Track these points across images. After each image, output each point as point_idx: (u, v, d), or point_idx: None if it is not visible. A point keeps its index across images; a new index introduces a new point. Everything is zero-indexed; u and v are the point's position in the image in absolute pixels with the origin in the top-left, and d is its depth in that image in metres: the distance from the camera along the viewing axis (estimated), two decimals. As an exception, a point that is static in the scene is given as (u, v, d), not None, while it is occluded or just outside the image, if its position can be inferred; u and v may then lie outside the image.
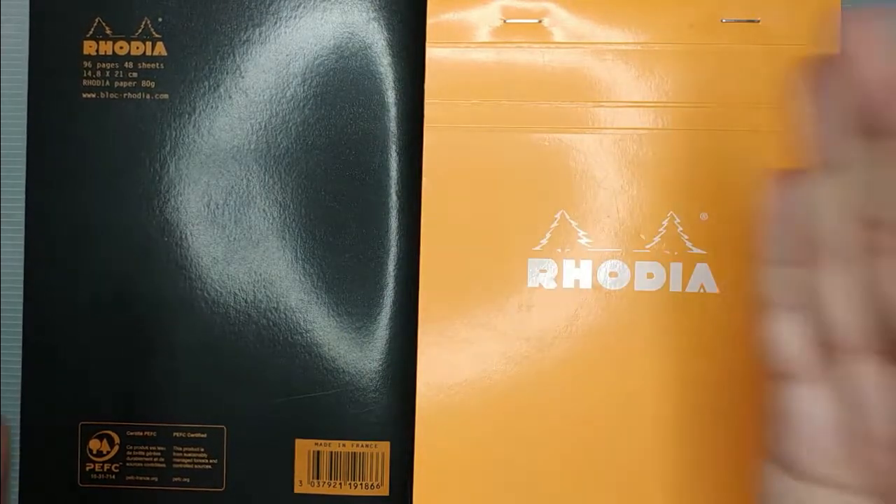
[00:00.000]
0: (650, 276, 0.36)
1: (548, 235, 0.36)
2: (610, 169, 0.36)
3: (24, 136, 0.37)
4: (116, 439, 0.37)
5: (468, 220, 0.36)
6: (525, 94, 0.36)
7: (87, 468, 0.37)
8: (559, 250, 0.36)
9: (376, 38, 0.37)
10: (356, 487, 0.37)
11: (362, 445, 0.37)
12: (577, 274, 0.36)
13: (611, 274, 0.36)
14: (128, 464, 0.37)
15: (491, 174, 0.36)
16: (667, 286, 0.36)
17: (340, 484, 0.37)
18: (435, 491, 0.36)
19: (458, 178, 0.36)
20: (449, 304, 0.36)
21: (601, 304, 0.36)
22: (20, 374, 0.37)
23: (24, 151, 0.37)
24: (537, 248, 0.36)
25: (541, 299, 0.36)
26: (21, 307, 0.37)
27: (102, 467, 0.37)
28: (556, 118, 0.36)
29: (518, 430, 0.36)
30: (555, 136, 0.36)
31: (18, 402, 0.37)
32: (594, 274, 0.36)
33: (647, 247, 0.36)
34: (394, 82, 0.37)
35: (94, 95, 0.37)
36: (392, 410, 0.37)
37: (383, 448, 0.37)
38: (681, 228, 0.36)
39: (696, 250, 0.36)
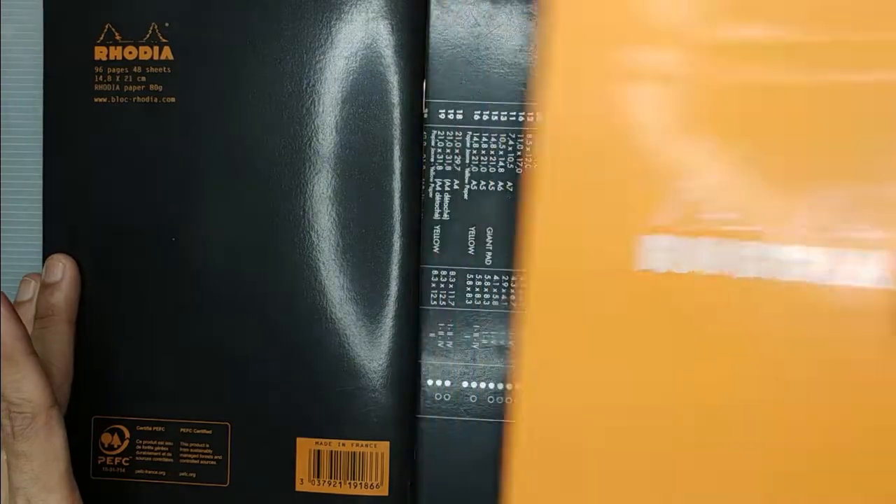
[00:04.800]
0: (803, 263, 0.28)
1: (666, 210, 0.29)
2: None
3: (29, 135, 0.38)
4: (127, 433, 0.38)
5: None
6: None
7: (99, 461, 0.38)
8: (677, 227, 0.29)
9: (376, 38, 0.37)
10: (356, 487, 0.37)
11: (362, 445, 0.37)
12: (701, 256, 0.29)
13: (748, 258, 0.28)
14: (137, 458, 0.38)
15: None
16: (821, 276, 0.28)
17: (341, 483, 0.37)
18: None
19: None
20: (552, 291, 0.29)
21: (735, 293, 0.28)
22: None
23: (32, 152, 0.39)
24: (652, 224, 0.29)
25: (655, 284, 0.29)
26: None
27: (113, 461, 0.38)
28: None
29: (624, 426, 0.30)
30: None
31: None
32: (720, 257, 0.28)
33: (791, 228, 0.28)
34: (395, 82, 0.37)
35: (105, 100, 0.38)
36: (392, 410, 0.37)
37: (383, 448, 0.37)
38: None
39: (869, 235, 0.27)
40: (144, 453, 0.38)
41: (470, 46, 0.37)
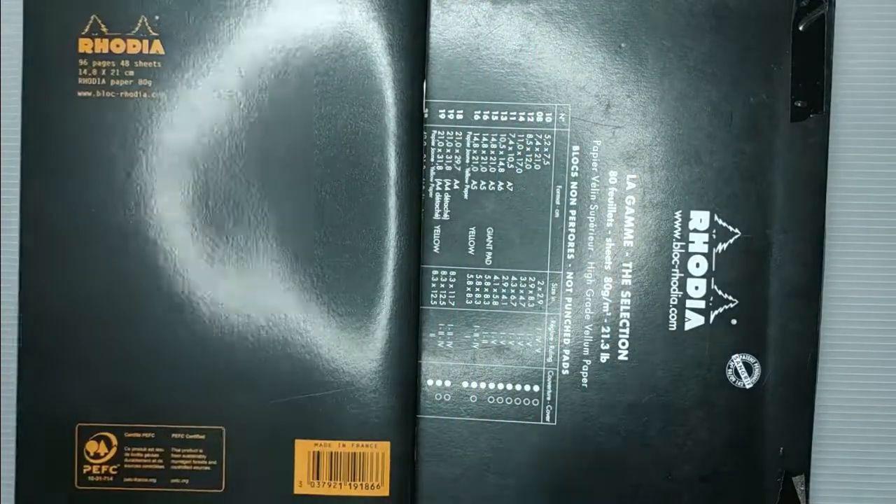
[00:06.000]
0: None
1: None
2: None
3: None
4: (114, 441, 0.37)
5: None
6: None
7: (85, 470, 0.37)
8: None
9: (376, 38, 0.36)
10: (356, 488, 0.37)
11: (362, 445, 0.37)
12: None
13: None
14: (126, 465, 0.37)
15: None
16: None
17: (340, 484, 0.37)
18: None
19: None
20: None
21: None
22: (16, 375, 0.37)
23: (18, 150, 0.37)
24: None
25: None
26: (17, 307, 0.37)
27: (100, 469, 0.37)
28: None
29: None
30: None
31: (15, 404, 0.37)
32: None
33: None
34: (394, 82, 0.36)
35: (90, 94, 0.37)
36: (392, 410, 0.37)
37: (383, 448, 0.37)
38: None
39: None
40: (133, 460, 0.37)
41: (470, 46, 0.37)
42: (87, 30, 0.37)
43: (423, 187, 0.37)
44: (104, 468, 0.37)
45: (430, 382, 0.38)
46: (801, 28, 0.37)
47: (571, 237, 0.38)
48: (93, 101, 0.37)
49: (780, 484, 0.37)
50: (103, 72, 0.37)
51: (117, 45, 0.37)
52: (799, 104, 0.37)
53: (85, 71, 0.37)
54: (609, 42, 0.37)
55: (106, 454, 0.37)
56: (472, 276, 0.38)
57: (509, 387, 0.38)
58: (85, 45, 0.37)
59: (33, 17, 0.37)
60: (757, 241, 0.37)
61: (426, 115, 0.37)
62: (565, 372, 0.38)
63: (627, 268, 0.38)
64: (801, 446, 0.37)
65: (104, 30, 0.37)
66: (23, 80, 0.37)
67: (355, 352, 0.37)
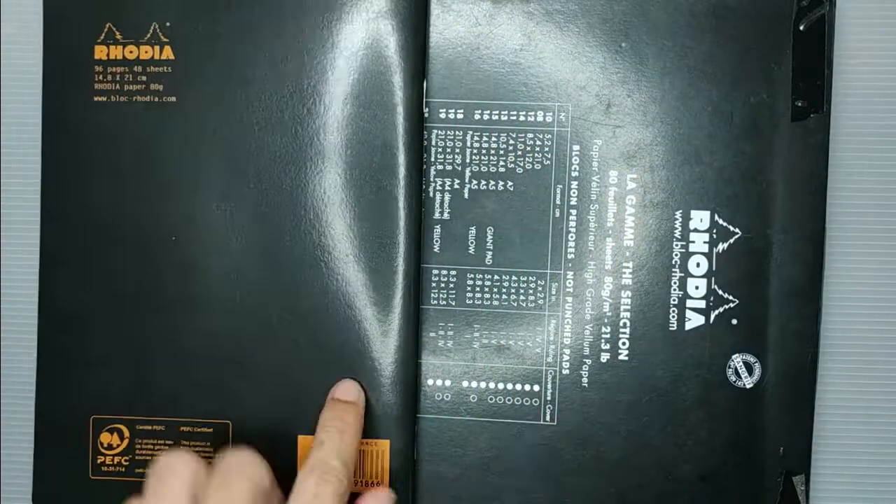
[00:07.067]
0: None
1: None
2: None
3: (30, 136, 0.38)
4: (126, 433, 0.38)
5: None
6: None
7: (99, 461, 0.38)
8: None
9: (378, 38, 0.37)
10: (356, 485, 0.37)
11: (362, 443, 0.37)
12: None
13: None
14: (137, 457, 0.38)
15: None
16: None
17: (341, 480, 0.37)
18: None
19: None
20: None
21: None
22: (34, 369, 0.38)
23: (32, 152, 0.39)
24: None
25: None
26: (36, 304, 0.38)
27: (113, 460, 0.38)
28: None
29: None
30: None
31: (33, 396, 0.38)
32: None
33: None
34: (396, 82, 0.37)
35: (105, 99, 0.38)
36: (392, 409, 0.37)
37: (383, 446, 0.37)
38: None
39: None
40: (144, 452, 0.38)
41: (471, 46, 0.38)
42: (102, 37, 0.38)
43: (424, 187, 0.38)
44: (117, 459, 0.38)
45: (430, 382, 0.38)
46: (801, 28, 0.36)
47: (572, 237, 0.38)
48: (108, 106, 0.38)
49: (780, 484, 0.37)
50: (117, 77, 0.38)
51: (130, 52, 0.38)
52: (799, 104, 0.37)
53: (100, 77, 0.38)
54: (610, 42, 0.37)
55: (118, 445, 0.38)
56: (472, 275, 0.38)
57: (509, 386, 0.38)
58: (100, 52, 0.38)
59: (52, 26, 0.38)
60: (757, 240, 0.37)
61: (426, 115, 0.38)
62: (565, 371, 0.38)
63: (628, 267, 0.37)
64: (801, 446, 0.37)
65: (118, 37, 0.38)
66: (43, 86, 0.38)
67: (356, 350, 0.37)
